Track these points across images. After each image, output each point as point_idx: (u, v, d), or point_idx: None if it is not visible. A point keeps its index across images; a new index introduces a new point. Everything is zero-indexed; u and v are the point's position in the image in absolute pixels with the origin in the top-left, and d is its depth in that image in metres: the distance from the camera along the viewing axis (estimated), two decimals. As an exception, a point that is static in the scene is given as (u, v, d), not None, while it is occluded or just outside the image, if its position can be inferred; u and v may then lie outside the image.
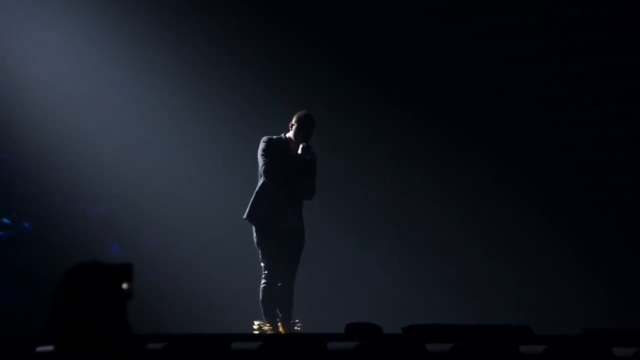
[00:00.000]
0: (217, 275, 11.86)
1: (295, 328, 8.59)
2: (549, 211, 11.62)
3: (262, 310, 8.63)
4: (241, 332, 8.45)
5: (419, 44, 12.05)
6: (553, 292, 11.33)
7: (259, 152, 8.71)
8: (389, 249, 12.06)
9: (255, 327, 8.58)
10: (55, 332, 3.02)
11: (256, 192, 8.73)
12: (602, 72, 11.28)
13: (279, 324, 8.59)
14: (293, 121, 8.74)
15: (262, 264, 8.67)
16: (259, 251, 8.69)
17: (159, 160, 12.23)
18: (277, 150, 8.68)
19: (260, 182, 8.73)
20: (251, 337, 7.41)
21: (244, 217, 8.73)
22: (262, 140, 8.74)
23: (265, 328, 8.51)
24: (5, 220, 12.05)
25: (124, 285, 3.11)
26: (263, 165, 8.66)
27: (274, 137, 8.76)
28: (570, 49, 11.43)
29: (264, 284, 8.64)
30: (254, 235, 8.71)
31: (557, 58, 11.52)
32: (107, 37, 12.07)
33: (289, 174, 8.67)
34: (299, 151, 8.68)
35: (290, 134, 8.75)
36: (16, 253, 11.96)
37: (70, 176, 12.03)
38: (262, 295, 8.64)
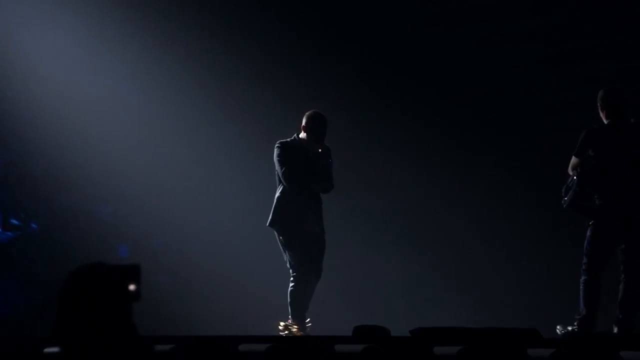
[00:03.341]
0: (225, 277, 11.85)
1: (307, 326, 8.55)
2: (561, 215, 11.58)
3: (291, 311, 8.51)
4: (249, 334, 8.45)
5: (429, 46, 12.05)
6: (562, 295, 11.29)
7: (275, 157, 8.59)
8: (397, 252, 12.05)
9: (281, 327, 8.51)
10: (60, 333, 3.02)
11: (277, 198, 8.63)
12: (611, 75, 11.26)
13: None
14: (303, 122, 8.61)
15: (289, 267, 8.59)
16: (286, 255, 8.59)
17: (168, 161, 12.24)
18: (293, 154, 8.56)
19: (280, 187, 8.63)
20: (259, 339, 7.41)
21: (267, 224, 8.64)
22: (276, 146, 8.61)
23: (294, 330, 8.44)
24: (14, 221, 12.07)
25: (131, 287, 3.10)
26: (282, 171, 8.55)
27: (288, 140, 8.64)
28: (580, 53, 11.43)
29: (292, 286, 8.54)
30: (279, 240, 8.63)
31: (567, 61, 11.51)
32: (115, 38, 12.08)
33: (308, 177, 8.59)
34: (316, 156, 8.60)
35: (302, 135, 8.64)
36: (24, 254, 11.98)
37: (78, 177, 12.05)
38: (291, 297, 8.52)
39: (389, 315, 10.19)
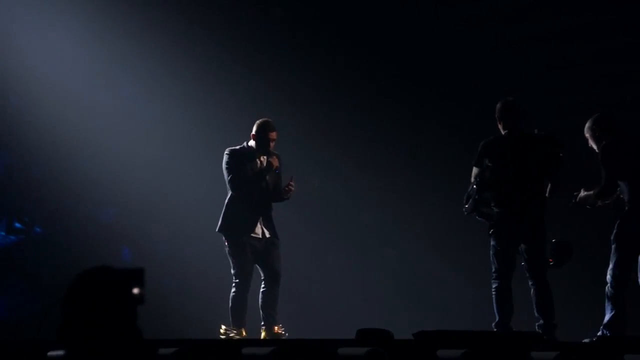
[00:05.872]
0: (227, 281, 11.83)
1: (280, 332, 8.65)
2: (563, 215, 11.58)
3: (231, 317, 8.78)
4: (251, 338, 8.46)
5: (429, 48, 12.07)
6: (566, 298, 11.29)
7: (224, 165, 8.83)
8: (400, 255, 12.04)
9: (222, 331, 8.70)
10: (65, 337, 3.02)
11: (226, 205, 8.89)
12: (615, 77, 11.27)
13: (263, 329, 8.69)
14: (253, 130, 8.83)
15: (233, 274, 8.82)
16: (231, 261, 8.83)
17: (171, 165, 12.24)
18: (242, 161, 8.78)
19: (229, 194, 8.85)
20: (262, 342, 7.41)
21: (217, 230, 8.88)
22: (225, 153, 8.86)
23: (232, 334, 8.67)
24: (18, 225, 12.08)
25: (135, 290, 3.11)
26: (229, 179, 8.78)
27: (237, 147, 8.87)
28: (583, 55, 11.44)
29: (233, 292, 8.80)
30: (226, 246, 8.86)
31: (571, 64, 11.52)
32: (120, 43, 12.09)
33: (256, 184, 8.73)
34: (264, 164, 8.77)
35: (252, 143, 8.83)
36: (28, 257, 11.98)
37: (82, 181, 12.05)
38: (232, 304, 8.78)
39: (393, 318, 10.19)
